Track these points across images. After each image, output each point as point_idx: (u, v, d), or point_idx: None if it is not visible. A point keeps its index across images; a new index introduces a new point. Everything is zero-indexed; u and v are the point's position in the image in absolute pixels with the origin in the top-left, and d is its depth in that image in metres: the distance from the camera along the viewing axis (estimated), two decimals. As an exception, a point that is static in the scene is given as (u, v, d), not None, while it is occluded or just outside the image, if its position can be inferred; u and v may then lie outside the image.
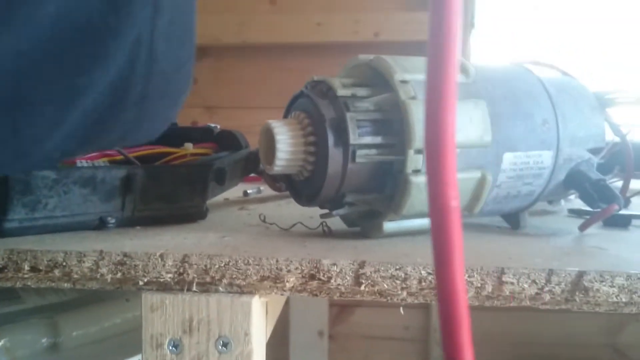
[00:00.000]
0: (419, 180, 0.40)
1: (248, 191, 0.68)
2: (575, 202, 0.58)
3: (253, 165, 0.57)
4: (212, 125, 0.75)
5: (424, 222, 0.43)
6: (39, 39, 0.18)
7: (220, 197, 0.63)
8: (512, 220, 0.49)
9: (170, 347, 0.38)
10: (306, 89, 0.42)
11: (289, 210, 0.58)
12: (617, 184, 0.61)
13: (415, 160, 0.40)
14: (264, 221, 0.50)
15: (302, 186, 0.44)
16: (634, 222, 0.53)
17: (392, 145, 0.40)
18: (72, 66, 0.21)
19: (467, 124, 0.41)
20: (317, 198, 0.42)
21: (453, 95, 0.22)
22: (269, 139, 0.41)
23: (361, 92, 0.41)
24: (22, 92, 0.20)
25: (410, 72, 0.41)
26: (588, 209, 0.49)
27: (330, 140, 0.40)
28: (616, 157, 0.57)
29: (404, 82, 0.41)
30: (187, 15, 0.26)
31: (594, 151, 0.47)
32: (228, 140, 0.56)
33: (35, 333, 0.74)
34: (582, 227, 0.46)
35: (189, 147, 0.53)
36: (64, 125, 0.22)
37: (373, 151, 0.40)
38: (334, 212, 0.43)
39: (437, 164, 0.23)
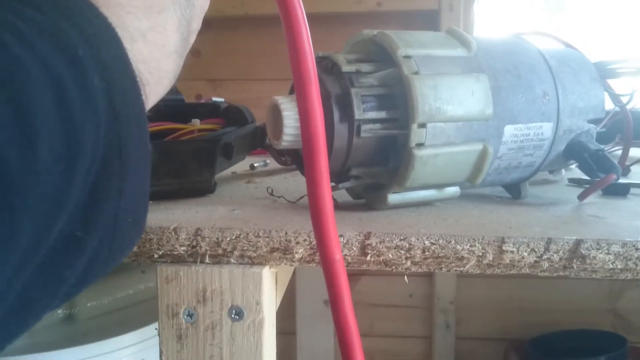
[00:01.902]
0: (422, 154, 0.41)
1: (255, 164, 0.69)
2: (576, 171, 0.59)
3: (259, 139, 0.58)
4: (217, 99, 0.76)
5: (427, 194, 0.45)
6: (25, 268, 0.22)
7: (227, 171, 0.64)
8: (513, 190, 0.50)
9: (186, 316, 0.40)
10: None
11: (295, 183, 0.59)
12: (617, 152, 0.62)
13: (419, 134, 0.41)
14: (271, 194, 0.51)
15: None
16: (633, 190, 0.54)
17: (395, 119, 0.42)
18: (57, 270, 0.25)
19: (469, 98, 0.42)
20: None
21: (326, 167, 0.32)
22: (275, 114, 0.42)
23: (365, 67, 0.42)
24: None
25: (413, 47, 0.42)
26: (588, 178, 0.50)
27: (336, 115, 0.41)
28: (617, 125, 0.58)
29: (407, 57, 0.42)
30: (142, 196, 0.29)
31: (594, 122, 0.48)
32: (235, 116, 0.58)
33: (51, 304, 0.77)
34: (581, 197, 0.48)
35: (197, 122, 0.54)
36: (56, 301, 0.26)
37: (377, 126, 0.41)
38: (340, 185, 0.44)
39: (320, 226, 0.33)
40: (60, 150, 0.22)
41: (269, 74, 1.45)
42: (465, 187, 0.48)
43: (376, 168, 0.43)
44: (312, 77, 0.29)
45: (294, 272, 1.35)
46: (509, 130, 0.44)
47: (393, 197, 0.44)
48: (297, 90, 0.30)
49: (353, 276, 1.48)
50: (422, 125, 0.41)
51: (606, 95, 0.51)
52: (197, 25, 0.37)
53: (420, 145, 0.41)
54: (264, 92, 1.39)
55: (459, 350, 1.47)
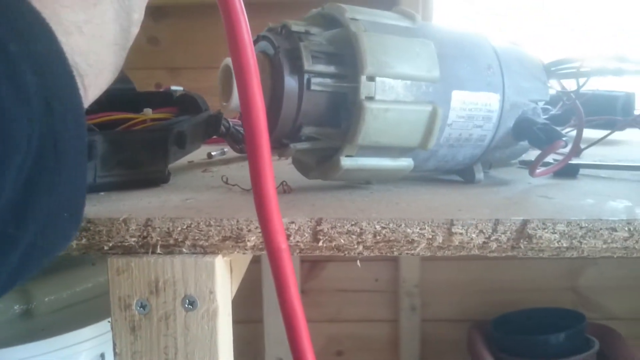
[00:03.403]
0: (373, 107, 0.41)
1: (212, 153, 0.68)
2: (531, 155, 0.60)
3: (214, 127, 0.57)
4: (176, 87, 0.75)
5: (381, 162, 0.45)
6: None
7: (184, 160, 0.64)
8: (467, 174, 0.51)
9: (138, 308, 0.39)
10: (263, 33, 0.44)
11: (252, 171, 0.59)
12: (572, 133, 0.63)
13: (368, 87, 0.41)
14: (226, 183, 0.51)
15: None
16: (583, 171, 0.56)
17: (345, 76, 0.42)
18: None
19: (415, 58, 0.43)
20: (275, 131, 0.43)
21: (268, 154, 0.32)
22: (226, 76, 0.42)
23: (314, 30, 0.43)
24: None
25: (361, 14, 0.44)
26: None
27: (286, 69, 0.41)
28: (572, 109, 0.59)
29: (354, 19, 0.43)
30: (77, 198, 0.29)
31: (538, 102, 0.49)
32: (188, 104, 0.57)
33: (6, 300, 0.75)
34: (531, 169, 0.49)
35: (149, 112, 0.53)
36: None
37: (327, 80, 0.42)
38: (292, 146, 0.44)
39: (265, 215, 0.33)
40: None
41: (230, 61, 1.43)
42: (421, 169, 0.49)
43: (328, 129, 0.43)
44: (252, 67, 0.29)
45: (259, 260, 1.35)
46: (457, 95, 0.45)
47: (346, 162, 0.44)
48: (238, 80, 0.30)
49: (319, 263, 1.49)
50: (371, 79, 0.41)
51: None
52: (138, 15, 0.36)
53: (370, 98, 0.42)
54: (225, 80, 1.37)
55: (425, 333, 1.50)
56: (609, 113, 0.80)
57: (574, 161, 0.56)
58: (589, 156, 0.67)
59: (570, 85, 0.56)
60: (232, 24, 0.30)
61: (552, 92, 0.54)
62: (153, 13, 1.43)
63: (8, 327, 0.74)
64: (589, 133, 0.76)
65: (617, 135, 0.78)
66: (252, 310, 1.44)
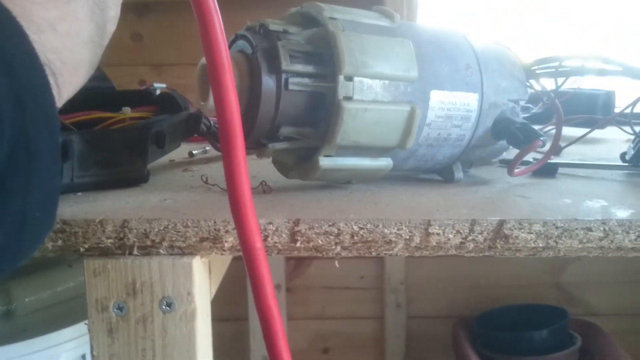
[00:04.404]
0: (351, 107, 0.41)
1: (194, 152, 0.68)
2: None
3: (194, 126, 0.57)
4: (159, 84, 0.75)
5: (360, 162, 0.45)
6: None
7: (165, 159, 0.63)
8: (447, 174, 0.51)
9: (115, 310, 0.39)
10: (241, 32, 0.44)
11: (233, 170, 0.58)
12: (552, 132, 0.64)
13: (346, 87, 0.41)
14: (206, 182, 0.50)
15: None
16: (563, 170, 0.56)
17: (323, 75, 0.42)
18: None
19: (394, 57, 0.43)
20: (253, 131, 0.42)
21: (243, 152, 0.32)
22: (203, 76, 0.42)
23: (293, 29, 0.43)
24: None
25: (339, 12, 0.44)
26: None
27: (264, 68, 0.41)
28: (553, 108, 0.59)
29: (332, 18, 0.43)
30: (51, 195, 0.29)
31: (517, 102, 0.49)
32: (168, 103, 0.56)
33: (-13, 301, 0.74)
34: (510, 169, 0.49)
35: (127, 111, 0.53)
36: None
37: (306, 80, 0.42)
38: (270, 145, 0.43)
39: (239, 214, 0.33)
40: None
41: (214, 58, 1.42)
42: (401, 168, 0.49)
43: (307, 129, 0.43)
44: (225, 65, 0.29)
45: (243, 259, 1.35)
46: (435, 95, 0.45)
47: (325, 162, 0.44)
48: (211, 79, 0.30)
49: (305, 260, 1.49)
50: (349, 79, 0.41)
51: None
52: (114, 12, 0.36)
53: (348, 98, 0.42)
54: (210, 77, 1.37)
55: (410, 329, 1.50)
56: (590, 111, 0.80)
57: (554, 160, 0.56)
58: (569, 155, 0.67)
59: (552, 83, 0.57)
60: (205, 23, 0.30)
61: (532, 91, 0.55)
62: (137, 9, 1.42)
63: (-12, 328, 0.73)
64: (570, 131, 0.77)
65: (597, 133, 0.79)
66: (237, 308, 1.44)
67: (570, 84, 0.78)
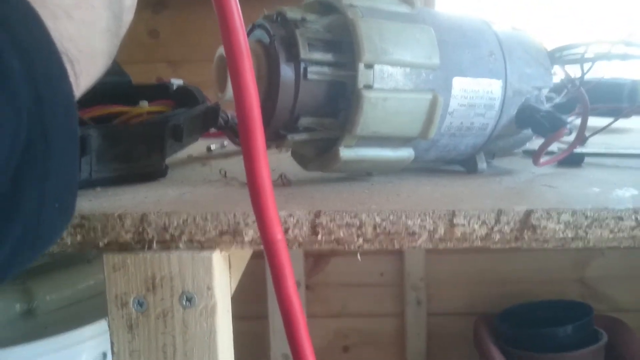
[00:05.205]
0: (371, 95, 0.40)
1: (212, 147, 0.67)
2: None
3: (212, 119, 0.56)
4: (175, 80, 0.74)
5: (381, 153, 0.44)
6: None
7: (183, 154, 0.63)
8: (470, 164, 0.50)
9: (135, 305, 0.39)
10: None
11: (252, 165, 0.58)
12: (577, 121, 0.62)
13: (367, 75, 0.40)
14: (224, 176, 0.50)
15: None
16: (588, 159, 0.55)
17: (343, 64, 0.41)
18: None
19: (415, 44, 0.42)
20: (272, 121, 0.42)
21: (263, 143, 0.31)
22: (221, 66, 0.41)
23: (311, 17, 0.42)
24: None
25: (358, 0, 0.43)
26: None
27: (282, 57, 0.40)
28: (577, 97, 0.58)
29: (351, 5, 0.42)
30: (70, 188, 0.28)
31: (542, 90, 0.48)
32: (185, 97, 0.56)
33: (8, 299, 0.74)
34: (535, 158, 0.48)
35: (145, 105, 0.52)
36: None
37: (325, 69, 0.41)
38: (289, 136, 0.43)
39: (260, 206, 0.32)
40: None
41: (230, 56, 1.42)
42: (423, 159, 0.48)
43: (327, 119, 0.42)
44: (244, 53, 0.28)
45: (264, 255, 1.35)
46: (457, 83, 0.44)
47: (345, 153, 0.43)
48: (230, 68, 0.29)
49: (323, 257, 1.48)
50: (369, 67, 0.40)
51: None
52: (131, 1, 0.35)
53: (368, 87, 0.41)
54: (226, 74, 1.37)
55: (431, 326, 1.49)
56: (615, 101, 0.78)
57: (579, 150, 0.55)
58: (595, 144, 0.66)
59: (575, 71, 0.55)
60: (223, 10, 0.29)
61: (556, 79, 0.53)
62: (153, 5, 1.42)
63: (10, 327, 0.74)
64: (595, 121, 0.75)
65: (623, 123, 0.77)
66: (257, 306, 1.43)
67: (594, 73, 0.76)
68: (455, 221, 0.37)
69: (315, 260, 1.48)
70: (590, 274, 1.45)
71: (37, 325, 0.74)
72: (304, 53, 0.40)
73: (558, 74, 0.55)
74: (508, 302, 1.40)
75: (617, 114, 0.72)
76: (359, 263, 1.46)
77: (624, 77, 0.81)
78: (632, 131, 0.79)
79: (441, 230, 0.37)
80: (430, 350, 1.49)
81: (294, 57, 0.40)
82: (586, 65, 0.51)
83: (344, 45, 0.41)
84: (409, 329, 1.48)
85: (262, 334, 1.47)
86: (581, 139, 0.54)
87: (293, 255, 1.45)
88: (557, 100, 0.72)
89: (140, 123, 0.50)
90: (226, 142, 0.69)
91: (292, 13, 0.41)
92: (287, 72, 0.40)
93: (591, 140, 0.67)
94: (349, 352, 1.53)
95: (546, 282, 1.44)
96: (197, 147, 0.65)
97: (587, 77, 0.54)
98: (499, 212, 0.37)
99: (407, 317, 1.48)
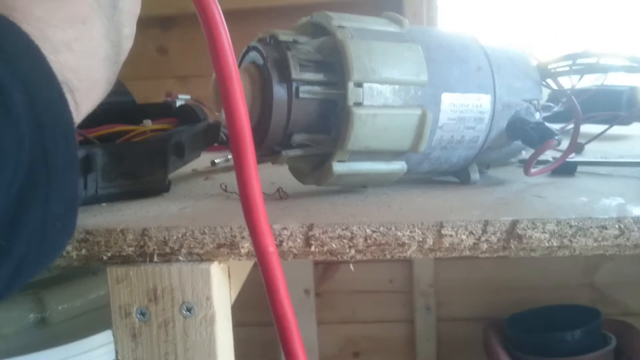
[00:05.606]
0: (361, 112, 0.42)
1: (215, 161, 0.69)
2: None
3: (213, 136, 0.58)
4: (183, 96, 0.77)
5: (374, 166, 0.46)
6: None
7: (188, 168, 0.65)
8: (463, 175, 0.51)
9: (138, 315, 0.40)
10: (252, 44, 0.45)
11: (253, 178, 0.59)
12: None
13: (356, 93, 0.42)
14: (225, 190, 0.51)
15: (254, 135, 0.46)
16: (582, 168, 0.56)
17: (334, 83, 0.43)
18: None
19: (403, 62, 0.44)
20: (265, 139, 0.43)
21: (253, 158, 0.33)
22: (217, 87, 0.43)
23: (302, 39, 0.44)
24: None
25: (346, 20, 0.45)
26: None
27: (274, 78, 0.42)
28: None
29: (341, 27, 0.44)
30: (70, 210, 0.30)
31: (532, 102, 0.49)
32: (187, 114, 0.58)
33: (21, 309, 0.77)
34: (525, 168, 0.49)
35: (148, 123, 0.54)
36: None
37: (316, 88, 0.43)
38: (283, 152, 0.44)
39: (252, 219, 0.34)
40: None
41: (238, 68, 1.44)
42: (416, 171, 0.49)
43: (319, 135, 0.44)
44: (233, 74, 0.30)
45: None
46: (446, 98, 0.46)
47: (338, 167, 0.44)
48: (220, 88, 0.31)
49: (332, 265, 1.49)
50: (359, 85, 0.42)
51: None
52: (129, 30, 0.37)
53: (358, 104, 0.42)
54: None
55: (441, 332, 1.49)
56: (614, 108, 0.79)
57: (572, 159, 0.56)
58: (592, 153, 0.66)
59: (574, 82, 0.56)
60: (212, 36, 0.31)
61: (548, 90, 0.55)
62: (162, 23, 1.45)
63: (23, 336, 0.76)
64: (594, 129, 0.76)
65: (622, 130, 0.78)
66: (267, 313, 1.44)
67: (594, 81, 0.77)
68: (443, 232, 0.38)
69: (325, 267, 1.50)
70: (600, 279, 1.45)
71: (50, 334, 0.76)
72: (296, 74, 0.41)
73: (552, 85, 0.57)
74: (517, 307, 1.40)
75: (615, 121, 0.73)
76: (368, 270, 1.47)
77: (622, 84, 0.82)
78: (631, 138, 0.79)
79: (430, 241, 0.39)
80: (440, 356, 1.50)
81: (286, 77, 0.42)
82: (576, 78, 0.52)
83: (335, 65, 0.43)
84: (418, 335, 1.49)
85: (272, 341, 1.49)
86: (574, 148, 0.55)
87: (303, 264, 1.47)
88: (556, 109, 0.73)
89: (144, 141, 0.52)
90: (230, 156, 0.71)
91: (284, 36, 0.43)
92: (279, 91, 0.42)
93: (589, 148, 0.68)
94: (359, 358, 1.54)
95: (555, 287, 1.44)
96: (202, 161, 0.67)
97: (589, 84, 0.55)
98: (486, 223, 0.38)
99: (417, 323, 1.49)
